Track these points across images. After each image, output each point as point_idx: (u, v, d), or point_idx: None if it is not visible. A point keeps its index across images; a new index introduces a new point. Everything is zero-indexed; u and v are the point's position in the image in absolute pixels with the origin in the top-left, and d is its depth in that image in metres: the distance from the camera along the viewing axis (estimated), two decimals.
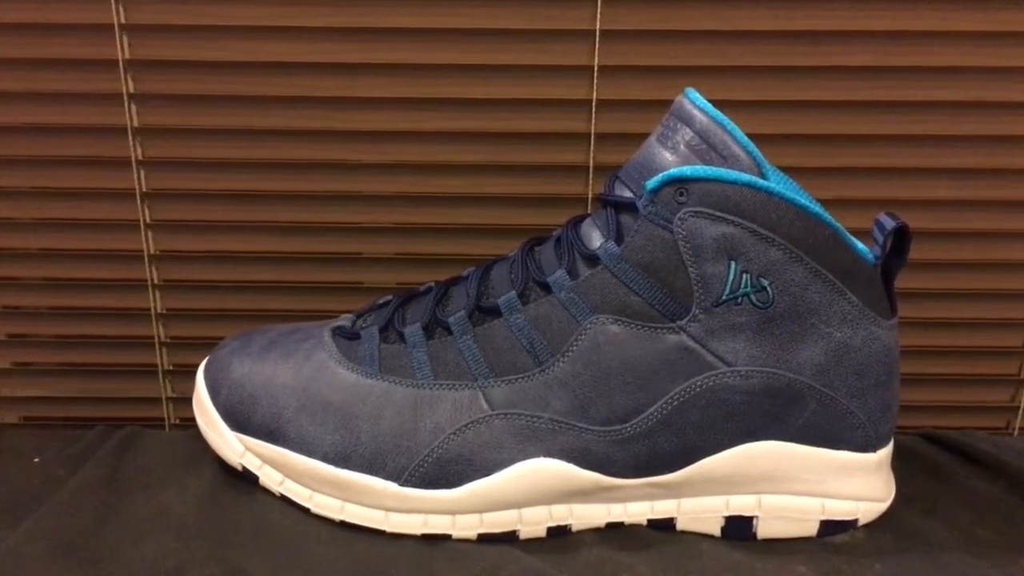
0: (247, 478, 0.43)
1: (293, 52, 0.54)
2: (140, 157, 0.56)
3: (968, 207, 0.57)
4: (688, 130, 0.39)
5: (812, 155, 0.56)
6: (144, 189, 0.57)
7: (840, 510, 0.42)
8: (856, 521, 0.42)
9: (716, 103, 0.40)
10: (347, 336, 0.44)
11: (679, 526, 0.42)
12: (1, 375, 0.63)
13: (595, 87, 0.54)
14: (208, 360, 0.46)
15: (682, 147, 0.39)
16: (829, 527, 0.42)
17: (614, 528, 0.42)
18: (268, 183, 0.57)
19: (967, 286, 0.58)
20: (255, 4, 0.53)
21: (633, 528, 0.42)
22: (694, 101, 0.40)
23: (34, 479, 0.46)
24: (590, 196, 0.56)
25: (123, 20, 0.53)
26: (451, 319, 0.42)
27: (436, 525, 0.41)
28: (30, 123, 0.55)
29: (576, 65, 0.54)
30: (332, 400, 0.42)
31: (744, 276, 0.38)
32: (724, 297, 0.39)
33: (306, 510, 0.42)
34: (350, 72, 0.54)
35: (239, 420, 0.43)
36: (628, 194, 0.40)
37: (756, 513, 0.42)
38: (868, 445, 0.42)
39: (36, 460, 0.48)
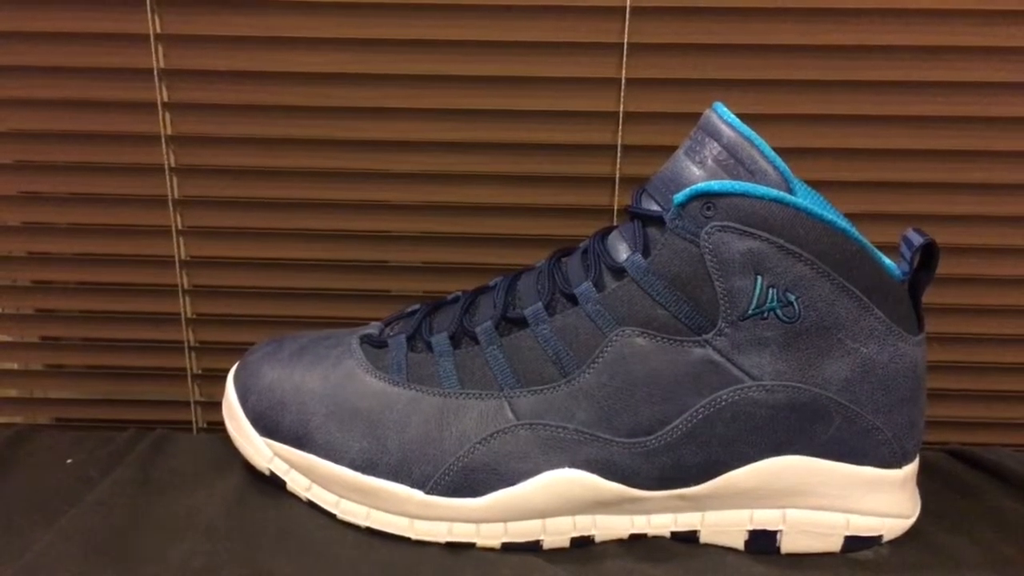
0: (274, 483, 0.44)
1: (324, 63, 0.55)
2: (173, 164, 0.57)
3: (996, 222, 0.57)
4: (716, 144, 0.39)
5: (840, 169, 0.56)
6: (176, 196, 0.58)
7: (865, 526, 0.42)
8: (881, 537, 0.42)
9: (744, 117, 0.40)
10: (375, 344, 0.44)
11: (702, 539, 0.42)
12: (34, 377, 0.64)
13: (622, 100, 0.54)
14: (238, 365, 0.47)
15: (710, 161, 0.39)
16: (853, 543, 0.42)
17: (637, 540, 0.42)
18: (298, 191, 0.57)
19: (994, 302, 0.58)
20: (287, 15, 0.54)
21: (656, 540, 0.42)
22: (722, 115, 0.40)
23: (67, 480, 0.47)
24: (616, 208, 0.57)
25: (158, 30, 0.55)
26: (478, 329, 0.43)
27: (461, 533, 0.41)
28: (67, 130, 0.57)
29: (604, 78, 0.54)
30: (360, 407, 0.42)
31: (771, 291, 0.38)
32: (750, 311, 0.39)
33: (332, 516, 0.43)
34: (380, 83, 0.55)
35: (268, 425, 0.43)
36: (655, 207, 0.41)
37: (780, 527, 0.42)
38: (893, 461, 0.41)
39: (69, 461, 0.49)
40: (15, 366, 0.63)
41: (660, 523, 0.42)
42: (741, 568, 0.41)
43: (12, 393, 0.64)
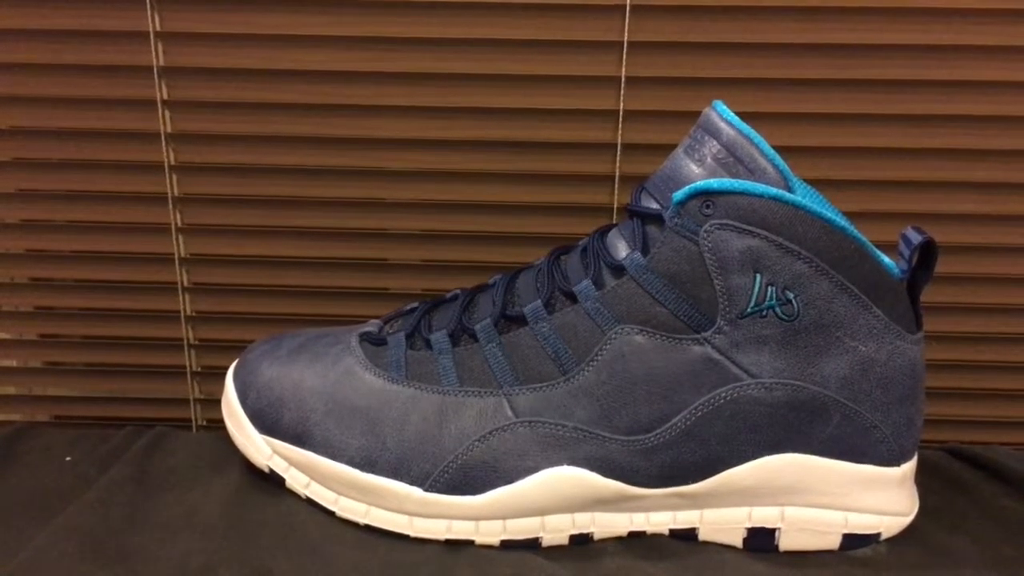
0: (274, 480, 0.44)
1: (324, 61, 0.55)
2: (173, 162, 0.57)
3: (994, 221, 0.57)
4: (715, 143, 0.39)
5: (839, 168, 0.56)
6: (176, 193, 0.58)
7: (863, 524, 0.42)
8: (879, 535, 0.42)
9: (743, 115, 0.40)
10: (374, 342, 0.44)
11: (701, 536, 0.42)
12: (33, 374, 0.64)
13: (622, 98, 0.54)
14: (237, 363, 0.47)
15: (709, 160, 0.39)
16: (852, 541, 0.42)
17: (636, 537, 0.42)
18: (298, 189, 0.57)
19: (993, 300, 0.58)
20: (287, 13, 0.54)
21: (655, 538, 0.42)
22: (721, 114, 0.40)
23: (65, 477, 0.47)
24: (615, 206, 0.57)
25: (158, 28, 0.54)
26: (477, 327, 0.43)
27: (460, 531, 0.41)
28: (67, 127, 0.57)
29: (604, 76, 0.54)
30: (359, 405, 0.42)
31: (770, 289, 0.38)
32: (749, 309, 0.39)
33: (331, 513, 0.43)
34: (380, 81, 0.55)
35: (267, 423, 0.43)
36: (655, 205, 0.41)
37: (779, 525, 0.42)
38: (892, 459, 0.41)
39: (68, 459, 0.49)
40: (14, 363, 0.63)
41: (659, 521, 0.42)
42: (740, 566, 0.41)
43: (11, 391, 0.64)
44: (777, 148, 0.39)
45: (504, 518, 0.41)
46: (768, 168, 0.38)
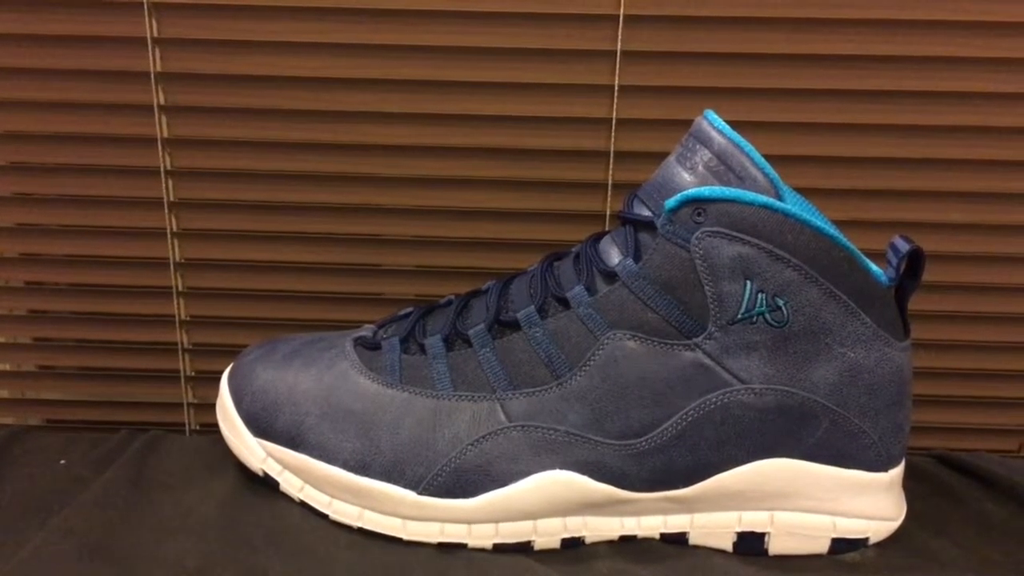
0: (268, 483, 0.44)
1: (319, 67, 0.55)
2: (169, 167, 0.57)
3: (981, 231, 0.57)
4: (707, 151, 0.40)
5: (828, 177, 0.56)
6: (172, 198, 0.58)
7: (851, 528, 0.42)
8: (867, 539, 0.43)
9: (734, 124, 0.40)
10: (369, 346, 0.45)
11: (691, 540, 0.43)
12: (27, 378, 0.64)
13: (615, 106, 0.55)
14: (232, 367, 0.47)
15: (700, 168, 0.40)
16: (840, 545, 0.42)
17: (627, 541, 0.43)
18: (293, 194, 0.58)
19: (980, 309, 0.59)
20: (283, 20, 0.54)
21: (646, 541, 0.43)
22: (713, 123, 0.40)
23: (60, 480, 0.47)
24: (608, 213, 0.57)
25: (155, 34, 0.55)
26: (471, 332, 0.43)
27: (452, 534, 0.41)
28: (63, 132, 0.57)
29: (597, 84, 0.55)
30: (353, 409, 0.42)
31: (760, 295, 0.39)
32: (739, 316, 0.39)
33: (325, 516, 0.43)
34: (374, 88, 0.56)
35: (261, 426, 0.44)
36: (647, 212, 0.41)
37: (768, 529, 0.42)
38: (880, 465, 0.42)
39: (62, 462, 0.49)
40: (7, 367, 0.63)
41: (650, 525, 0.42)
42: (729, 569, 0.41)
43: (4, 394, 0.64)
44: (767, 157, 0.39)
45: (496, 521, 0.41)
46: (758, 176, 0.39)
